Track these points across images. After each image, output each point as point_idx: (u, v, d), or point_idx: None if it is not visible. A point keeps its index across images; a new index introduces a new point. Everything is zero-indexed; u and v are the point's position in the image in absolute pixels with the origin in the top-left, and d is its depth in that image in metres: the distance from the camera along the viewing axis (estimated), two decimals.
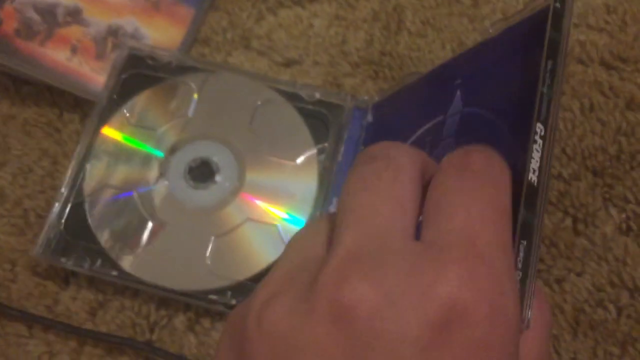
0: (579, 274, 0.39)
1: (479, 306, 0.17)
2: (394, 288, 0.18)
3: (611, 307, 0.38)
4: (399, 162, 0.21)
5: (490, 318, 0.17)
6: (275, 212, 0.40)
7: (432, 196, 0.20)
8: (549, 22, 0.23)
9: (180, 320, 0.39)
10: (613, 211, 0.40)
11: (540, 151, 0.21)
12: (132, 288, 0.39)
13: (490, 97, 0.27)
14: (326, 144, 0.41)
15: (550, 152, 0.22)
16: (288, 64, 0.46)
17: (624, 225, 0.40)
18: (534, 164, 0.21)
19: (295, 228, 0.39)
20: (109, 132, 0.42)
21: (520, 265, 0.20)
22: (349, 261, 0.19)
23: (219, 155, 0.41)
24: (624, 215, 0.40)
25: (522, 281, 0.20)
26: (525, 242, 0.21)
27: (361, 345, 0.17)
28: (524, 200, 0.21)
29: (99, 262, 0.38)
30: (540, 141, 0.22)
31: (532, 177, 0.21)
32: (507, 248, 0.19)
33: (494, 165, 0.21)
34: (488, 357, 0.17)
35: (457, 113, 0.29)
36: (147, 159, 0.41)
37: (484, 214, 0.19)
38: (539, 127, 0.22)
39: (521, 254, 0.20)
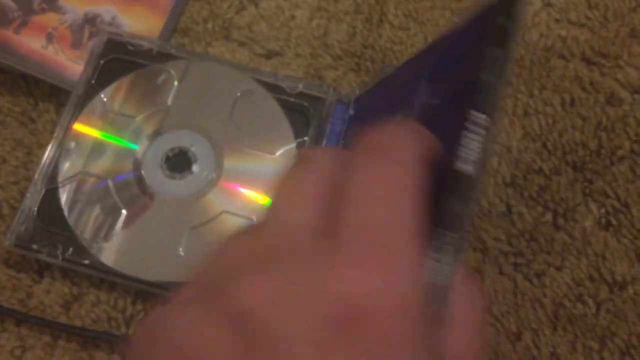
0: (558, 269, 0.39)
1: (377, 301, 0.17)
2: (293, 286, 0.17)
3: (590, 301, 0.38)
4: (315, 162, 0.21)
5: (390, 312, 0.17)
6: (255, 196, 0.39)
7: (340, 182, 0.20)
8: (497, 6, 0.23)
9: None
10: (593, 206, 0.40)
11: (474, 140, 0.21)
12: (106, 280, 0.38)
13: (450, 88, 0.27)
14: (306, 138, 0.41)
15: (487, 142, 0.21)
16: (269, 55, 0.46)
17: (603, 220, 0.40)
18: (464, 151, 0.21)
19: None
20: (86, 118, 0.41)
21: (439, 256, 0.20)
22: (249, 261, 0.18)
23: (197, 146, 0.40)
24: (603, 210, 0.40)
25: (440, 271, 0.19)
26: (445, 231, 0.20)
27: (257, 346, 0.17)
28: (449, 188, 0.20)
29: (70, 250, 0.38)
30: (475, 128, 0.21)
31: (459, 164, 0.21)
32: (411, 237, 0.18)
33: (405, 140, 0.20)
34: (389, 353, 0.17)
35: (422, 104, 0.29)
36: (123, 148, 0.40)
37: (387, 200, 0.18)
38: (474, 114, 0.21)
39: (443, 244, 0.20)
